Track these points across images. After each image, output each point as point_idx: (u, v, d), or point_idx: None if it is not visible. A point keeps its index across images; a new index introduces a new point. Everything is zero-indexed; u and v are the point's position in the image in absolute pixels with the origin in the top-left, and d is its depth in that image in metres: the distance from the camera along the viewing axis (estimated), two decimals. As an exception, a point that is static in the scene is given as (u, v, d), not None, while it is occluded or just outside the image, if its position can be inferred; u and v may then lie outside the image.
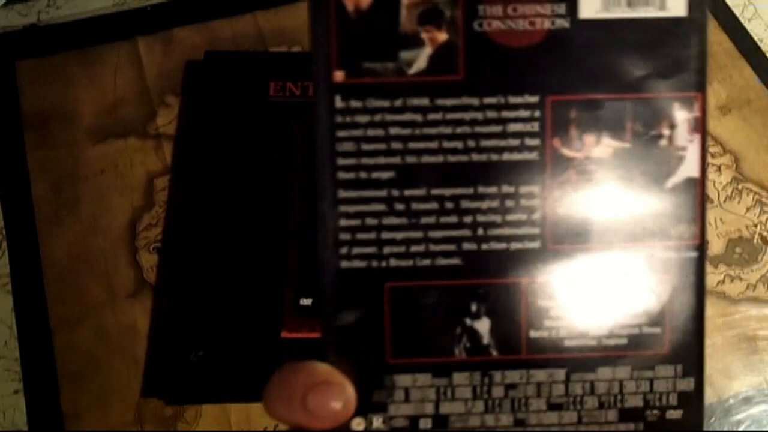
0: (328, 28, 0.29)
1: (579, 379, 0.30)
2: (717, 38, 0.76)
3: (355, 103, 0.29)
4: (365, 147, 0.29)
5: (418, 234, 0.30)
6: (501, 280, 0.30)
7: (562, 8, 0.29)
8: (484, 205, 0.30)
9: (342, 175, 0.29)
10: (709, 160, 0.71)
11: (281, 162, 0.64)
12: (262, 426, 0.59)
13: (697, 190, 0.30)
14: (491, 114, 0.29)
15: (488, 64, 0.29)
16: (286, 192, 0.63)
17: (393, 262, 0.30)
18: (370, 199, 0.29)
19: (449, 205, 0.30)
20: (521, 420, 0.30)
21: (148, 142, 0.69)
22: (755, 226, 0.68)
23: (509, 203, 0.30)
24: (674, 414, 0.30)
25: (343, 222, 0.29)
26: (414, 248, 0.30)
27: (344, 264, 0.30)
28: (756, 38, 0.77)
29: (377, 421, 0.30)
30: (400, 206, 0.29)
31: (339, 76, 0.29)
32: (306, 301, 0.57)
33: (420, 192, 0.29)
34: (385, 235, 0.30)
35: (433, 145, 0.29)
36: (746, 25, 0.77)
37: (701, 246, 0.30)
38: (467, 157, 0.29)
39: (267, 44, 0.74)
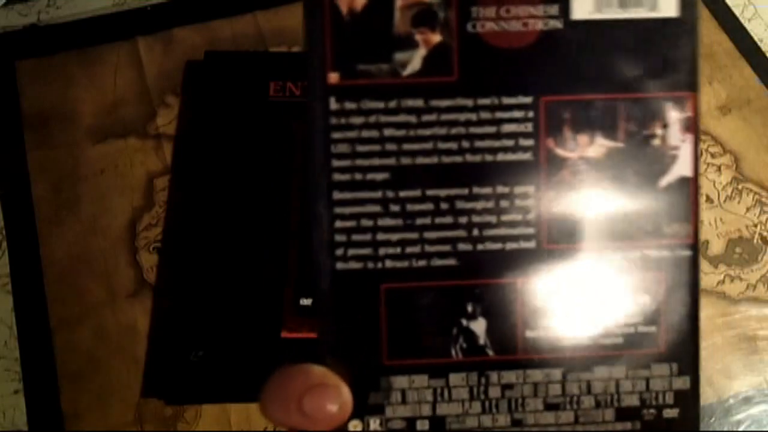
0: (322, 30, 0.29)
1: (575, 379, 0.30)
2: (717, 38, 0.76)
3: (349, 105, 0.29)
4: (360, 148, 0.29)
5: (414, 235, 0.30)
6: (496, 280, 0.30)
7: (554, 9, 0.29)
8: (479, 205, 0.30)
9: (337, 177, 0.29)
10: (709, 160, 0.71)
11: (281, 162, 0.64)
12: (262, 426, 0.60)
13: (691, 189, 0.30)
14: (485, 115, 0.29)
15: (482, 65, 0.30)
16: (286, 192, 0.63)
17: (389, 264, 0.30)
18: (365, 201, 0.29)
19: (444, 205, 0.30)
20: (518, 420, 0.30)
21: (148, 142, 0.69)
22: (755, 226, 0.68)
23: (504, 203, 0.30)
24: (670, 413, 0.30)
25: (338, 223, 0.29)
26: (409, 249, 0.30)
27: (340, 265, 0.30)
28: (756, 38, 0.77)
29: (374, 423, 0.30)
30: (395, 207, 0.29)
31: (333, 77, 0.29)
32: (306, 301, 0.57)
33: (415, 193, 0.29)
34: (381, 237, 0.30)
35: (428, 146, 0.29)
36: (746, 25, 0.77)
37: (695, 245, 0.30)
38: (462, 157, 0.30)
39: (267, 44, 0.74)
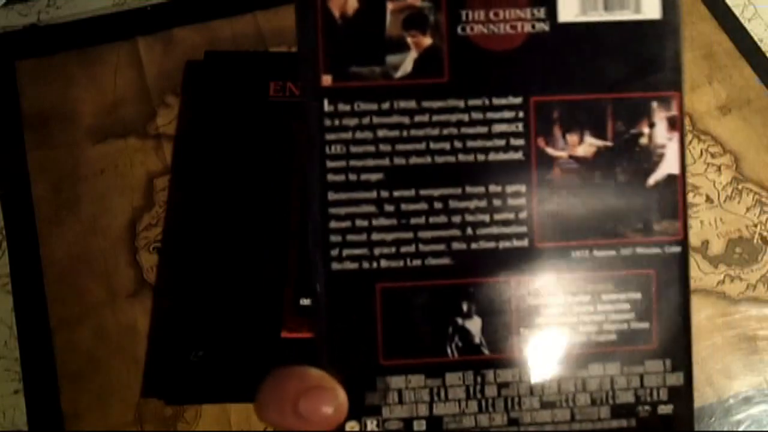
0: (315, 33, 0.30)
1: (570, 376, 0.30)
2: (717, 38, 0.76)
3: (343, 107, 0.30)
4: (354, 149, 0.30)
5: (408, 234, 0.30)
6: (491, 279, 0.30)
7: (541, 12, 0.30)
8: (472, 204, 0.30)
9: (331, 178, 0.30)
10: (709, 160, 0.71)
11: (281, 162, 0.64)
12: (261, 426, 0.60)
13: (679, 187, 0.31)
14: (476, 115, 0.30)
15: (472, 66, 0.30)
16: (286, 192, 0.64)
17: (384, 263, 0.30)
18: (359, 201, 0.30)
19: (438, 205, 0.30)
20: (515, 419, 0.30)
21: (148, 142, 0.69)
22: (755, 226, 0.68)
23: (497, 202, 0.30)
24: (665, 409, 0.30)
25: (333, 224, 0.30)
26: (404, 249, 0.30)
27: (335, 266, 0.30)
28: (756, 38, 0.77)
29: (371, 424, 0.30)
30: (389, 207, 0.30)
31: (327, 80, 0.30)
32: (306, 301, 0.57)
33: (409, 193, 0.30)
34: (376, 237, 0.30)
35: (421, 146, 0.30)
36: (746, 25, 0.77)
37: (684, 241, 0.31)
38: (454, 157, 0.30)
39: (267, 44, 0.74)
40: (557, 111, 0.30)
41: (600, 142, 0.30)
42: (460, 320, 0.30)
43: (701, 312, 0.64)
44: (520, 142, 0.30)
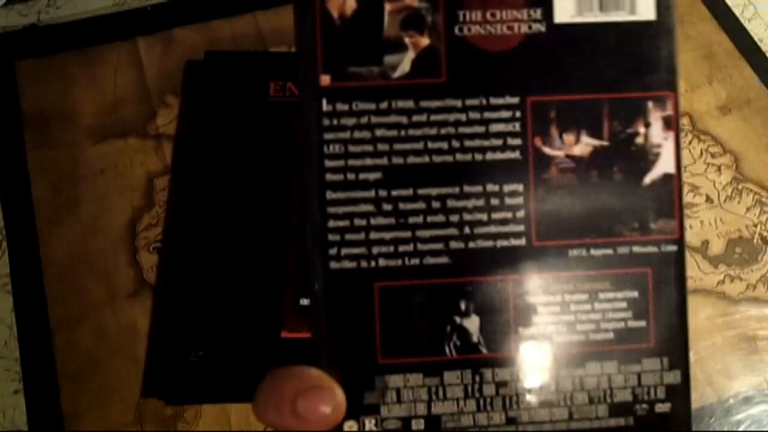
0: (313, 34, 0.30)
1: (568, 375, 0.30)
2: (717, 38, 0.76)
3: (341, 106, 0.30)
4: (352, 149, 0.30)
5: (406, 234, 0.30)
6: (489, 277, 0.30)
7: (538, 13, 0.30)
8: (470, 203, 0.30)
9: (330, 177, 0.30)
10: (709, 160, 0.70)
11: (281, 162, 0.64)
12: (261, 426, 0.59)
13: (675, 186, 0.31)
14: (474, 115, 0.30)
15: (469, 67, 0.30)
16: (286, 192, 0.64)
17: (382, 262, 0.30)
18: (357, 200, 0.30)
19: (436, 204, 0.30)
20: (513, 418, 0.30)
21: (148, 142, 0.69)
22: (755, 226, 0.68)
23: (494, 201, 0.30)
24: (662, 407, 0.31)
25: (331, 223, 0.30)
26: (402, 248, 0.30)
27: (334, 265, 0.30)
28: (756, 38, 0.77)
29: (369, 424, 0.30)
30: (387, 206, 0.30)
31: (325, 80, 0.30)
32: (306, 301, 0.57)
33: (407, 192, 0.30)
34: (374, 236, 0.30)
35: (419, 146, 0.30)
36: (746, 25, 0.77)
37: (680, 240, 0.31)
38: (452, 157, 0.30)
39: (267, 44, 0.74)
40: (554, 111, 0.30)
41: (596, 142, 0.30)
42: (458, 319, 0.30)
43: (701, 312, 0.64)
44: (518, 141, 0.30)
